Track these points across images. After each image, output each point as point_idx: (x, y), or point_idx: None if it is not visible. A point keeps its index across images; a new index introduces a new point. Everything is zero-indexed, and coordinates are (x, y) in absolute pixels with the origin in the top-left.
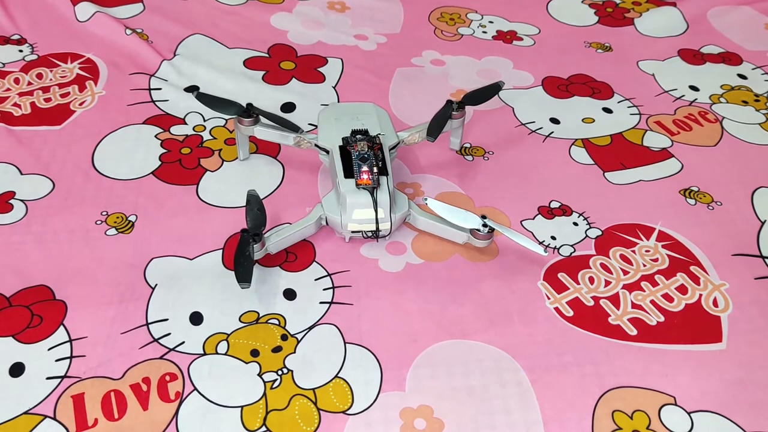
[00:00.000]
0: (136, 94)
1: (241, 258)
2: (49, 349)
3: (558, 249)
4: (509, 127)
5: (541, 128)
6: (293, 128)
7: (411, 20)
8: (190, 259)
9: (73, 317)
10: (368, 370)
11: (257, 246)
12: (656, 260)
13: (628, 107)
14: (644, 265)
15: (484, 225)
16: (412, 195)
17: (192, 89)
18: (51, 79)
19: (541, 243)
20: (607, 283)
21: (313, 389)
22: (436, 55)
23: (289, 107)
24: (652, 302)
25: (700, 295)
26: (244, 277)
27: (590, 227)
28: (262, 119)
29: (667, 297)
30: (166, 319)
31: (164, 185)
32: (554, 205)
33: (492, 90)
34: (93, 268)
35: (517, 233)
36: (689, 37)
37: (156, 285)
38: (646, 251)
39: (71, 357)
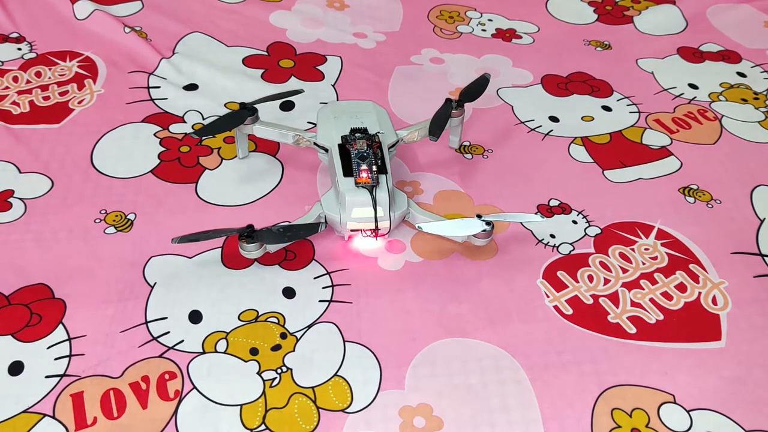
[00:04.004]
0: (135, 93)
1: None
2: (48, 348)
3: (557, 247)
4: (508, 125)
5: (540, 126)
6: (295, 92)
7: (410, 18)
8: (189, 258)
9: (72, 316)
10: (367, 369)
11: (249, 240)
12: (655, 258)
13: (628, 105)
14: (643, 264)
15: (488, 223)
16: (411, 193)
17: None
18: (50, 78)
19: (540, 241)
20: (607, 281)
21: (313, 387)
22: (435, 53)
23: (288, 105)
24: (652, 300)
25: (700, 294)
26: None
27: (589, 225)
28: (261, 119)
29: (667, 295)
30: (165, 318)
31: (163, 183)
32: (553, 203)
33: (482, 83)
34: (92, 266)
35: (510, 214)
36: (688, 35)
37: (155, 283)
38: (646, 249)
39: (70, 355)
